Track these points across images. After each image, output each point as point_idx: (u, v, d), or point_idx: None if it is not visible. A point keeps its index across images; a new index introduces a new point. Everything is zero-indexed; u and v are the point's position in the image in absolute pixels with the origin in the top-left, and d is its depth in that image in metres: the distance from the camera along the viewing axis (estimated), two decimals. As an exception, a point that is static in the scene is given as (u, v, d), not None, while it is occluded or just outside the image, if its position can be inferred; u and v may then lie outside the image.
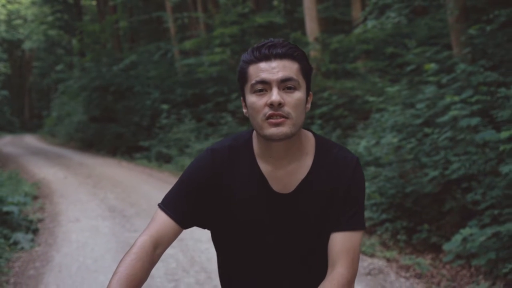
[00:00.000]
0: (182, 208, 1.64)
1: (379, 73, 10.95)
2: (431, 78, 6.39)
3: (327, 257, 1.66)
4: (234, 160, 1.69)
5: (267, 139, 1.59)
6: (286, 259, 1.69)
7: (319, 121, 10.38)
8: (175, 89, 16.42)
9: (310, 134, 1.71)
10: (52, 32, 38.87)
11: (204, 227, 1.72)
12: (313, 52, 13.16)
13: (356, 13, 12.98)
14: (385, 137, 6.42)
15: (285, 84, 1.56)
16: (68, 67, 37.41)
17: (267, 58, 1.58)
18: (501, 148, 4.43)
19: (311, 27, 13.40)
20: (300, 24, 15.47)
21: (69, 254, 5.81)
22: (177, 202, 1.65)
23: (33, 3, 38.20)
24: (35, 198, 9.14)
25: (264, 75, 1.57)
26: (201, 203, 1.66)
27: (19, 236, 6.13)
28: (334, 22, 16.42)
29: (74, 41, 35.49)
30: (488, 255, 4.33)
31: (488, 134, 4.72)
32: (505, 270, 4.17)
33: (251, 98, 1.59)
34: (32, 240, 6.26)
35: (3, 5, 39.39)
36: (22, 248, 5.94)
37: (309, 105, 1.65)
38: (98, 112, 18.73)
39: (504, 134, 4.34)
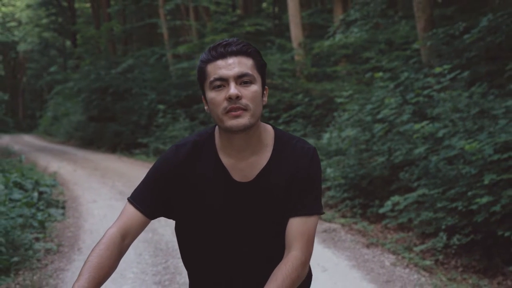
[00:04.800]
0: (148, 200, 1.72)
1: (357, 75, 12.32)
2: (381, 84, 8.02)
3: None
4: (197, 154, 1.76)
5: (228, 131, 1.67)
6: (248, 245, 1.76)
7: (300, 120, 11.92)
8: (170, 91, 17.64)
9: (269, 127, 1.79)
10: (47, 35, 39.82)
11: (170, 218, 1.80)
12: (297, 57, 14.24)
13: (338, 19, 13.65)
14: (345, 131, 8.02)
15: (242, 79, 1.65)
16: (61, 68, 38.37)
17: (223, 56, 1.66)
18: (414, 136, 6.06)
19: (295, 33, 14.32)
20: (287, 28, 16.20)
21: (94, 223, 7.39)
22: (144, 194, 1.73)
23: (28, 6, 38.87)
24: (54, 185, 10.64)
25: (222, 72, 1.64)
26: (166, 194, 1.74)
27: (52, 210, 7.67)
28: (319, 27, 17.37)
29: (69, 44, 36.55)
30: (409, 215, 5.94)
31: (408, 126, 6.36)
32: (415, 222, 5.78)
33: (211, 94, 1.67)
34: (63, 214, 7.81)
35: (-2, 8, 40.07)
36: (56, 220, 7.47)
37: (265, 99, 1.74)
38: (97, 112, 19.79)
39: (416, 126, 5.96)
